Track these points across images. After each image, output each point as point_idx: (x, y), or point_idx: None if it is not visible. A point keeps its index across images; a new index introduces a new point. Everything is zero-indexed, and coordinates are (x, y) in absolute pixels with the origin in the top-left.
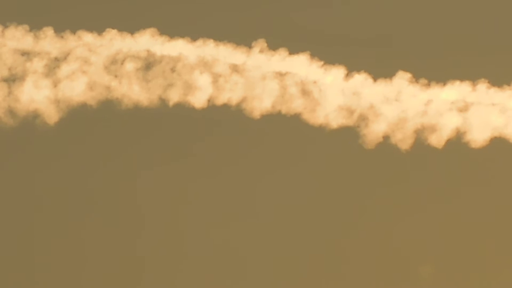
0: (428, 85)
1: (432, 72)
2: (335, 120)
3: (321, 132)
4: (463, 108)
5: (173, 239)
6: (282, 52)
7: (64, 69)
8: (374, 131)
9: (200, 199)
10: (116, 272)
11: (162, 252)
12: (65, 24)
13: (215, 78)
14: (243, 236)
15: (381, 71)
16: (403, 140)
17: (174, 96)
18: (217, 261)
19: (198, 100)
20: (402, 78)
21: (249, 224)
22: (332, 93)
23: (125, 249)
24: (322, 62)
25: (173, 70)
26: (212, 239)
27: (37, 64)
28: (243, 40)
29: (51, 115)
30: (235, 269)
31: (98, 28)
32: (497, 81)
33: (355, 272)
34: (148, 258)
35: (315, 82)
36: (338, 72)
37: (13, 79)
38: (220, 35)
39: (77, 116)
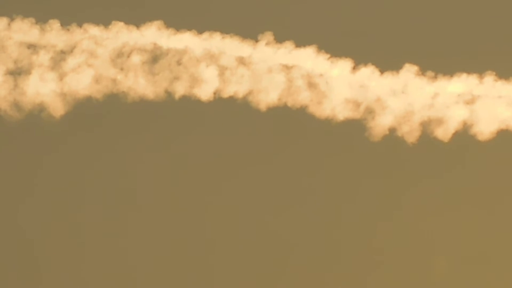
0: (435, 77)
1: (439, 64)
2: (342, 113)
3: (328, 124)
4: (470, 101)
5: (181, 231)
6: (289, 45)
7: (70, 62)
8: (381, 123)
9: (205, 192)
10: (132, 267)
11: (166, 247)
12: (71, 17)
13: (222, 71)
14: (246, 230)
15: (388, 63)
16: (410, 132)
17: (180, 89)
18: (219, 256)
19: (204, 93)
20: (409, 71)
21: (253, 218)
22: (339, 85)
23: (131, 243)
24: (329, 55)
25: (179, 63)
26: (214, 231)
27: (43, 57)
28: (250, 33)
29: (57, 109)
30: (239, 265)
31: (104, 21)
32: (504, 74)
33: (365, 265)
34: (154, 253)
35: (321, 75)
36: (345, 65)
37: (18, 72)
38: (227, 28)
39: (83, 110)
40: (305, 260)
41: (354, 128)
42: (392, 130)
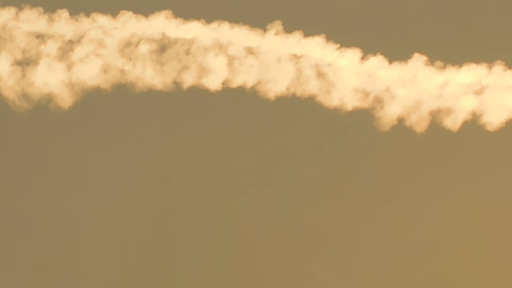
0: (444, 67)
1: (448, 54)
2: (350, 103)
3: (336, 114)
4: (479, 91)
5: (185, 223)
6: (298, 35)
7: (78, 52)
8: (389, 113)
9: (211, 184)
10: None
11: (166, 243)
12: (80, 6)
13: (230, 60)
14: (249, 221)
15: (396, 53)
16: (419, 122)
17: (188, 79)
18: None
19: (213, 83)
20: (417, 61)
21: (262, 210)
22: (348, 75)
23: (133, 236)
24: (337, 45)
25: (187, 52)
26: (217, 222)
27: (51, 47)
28: (258, 22)
29: (65, 99)
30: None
31: (112, 10)
32: None
33: (385, 257)
34: (158, 249)
35: (330, 64)
36: (354, 54)
37: (27, 62)
38: (235, 17)
39: (91, 100)
40: (311, 255)
41: (363, 118)
42: (401, 120)
